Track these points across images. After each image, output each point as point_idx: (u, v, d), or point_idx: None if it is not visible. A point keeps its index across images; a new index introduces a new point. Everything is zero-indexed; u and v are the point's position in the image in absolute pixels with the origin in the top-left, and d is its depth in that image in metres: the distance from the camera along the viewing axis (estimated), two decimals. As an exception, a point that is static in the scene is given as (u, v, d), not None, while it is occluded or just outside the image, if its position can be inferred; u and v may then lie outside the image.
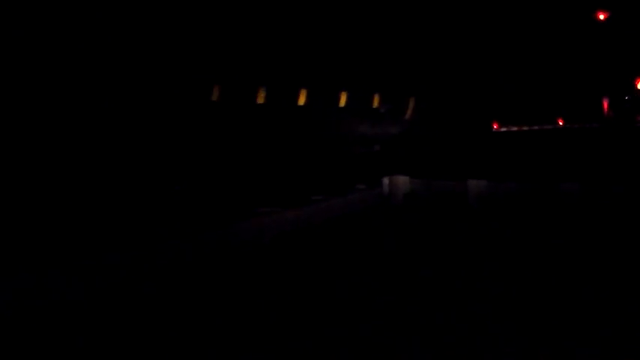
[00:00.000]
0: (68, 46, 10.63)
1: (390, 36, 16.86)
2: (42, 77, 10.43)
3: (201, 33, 12.57)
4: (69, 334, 6.55)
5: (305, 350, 6.12)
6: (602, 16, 26.93)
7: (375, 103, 17.15)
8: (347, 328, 6.64)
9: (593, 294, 7.73)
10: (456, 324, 6.70)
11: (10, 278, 7.08)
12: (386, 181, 15.84)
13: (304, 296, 7.86)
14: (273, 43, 14.04)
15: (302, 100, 14.85)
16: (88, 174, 10.89)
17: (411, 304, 7.43)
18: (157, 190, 12.03)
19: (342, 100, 15.88)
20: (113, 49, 11.33)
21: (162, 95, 12.02)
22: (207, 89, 13.29)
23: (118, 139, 11.48)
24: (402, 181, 15.81)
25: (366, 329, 6.61)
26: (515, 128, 38.65)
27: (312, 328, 6.71)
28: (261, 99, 13.86)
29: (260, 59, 14.00)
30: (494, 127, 38.99)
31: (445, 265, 9.23)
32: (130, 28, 11.26)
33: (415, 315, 7.06)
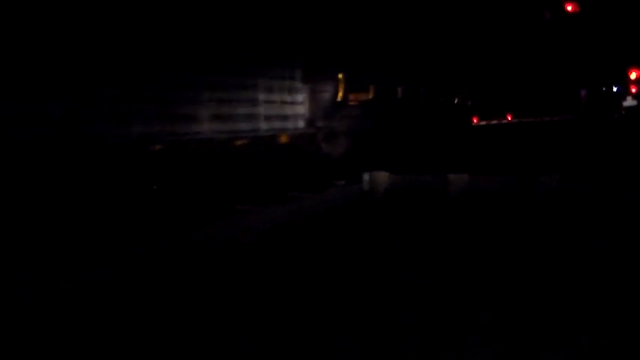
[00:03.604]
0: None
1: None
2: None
3: None
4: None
5: (286, 351, 6.01)
6: (570, 8, 27.15)
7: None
8: (329, 329, 6.53)
9: (577, 290, 7.70)
10: (441, 323, 6.61)
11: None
12: (366, 177, 15.76)
13: (286, 296, 7.75)
14: None
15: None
16: (61, 177, 10.66)
17: (393, 303, 7.34)
18: (132, 190, 11.83)
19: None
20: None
21: None
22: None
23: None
24: (382, 176, 15.74)
25: (348, 330, 6.50)
26: (494, 121, 38.88)
27: (294, 328, 6.60)
28: None
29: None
30: (474, 121, 39.25)
31: (428, 262, 9.17)
32: None
33: (398, 313, 6.97)
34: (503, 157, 22.41)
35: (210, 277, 8.68)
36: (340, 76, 20.84)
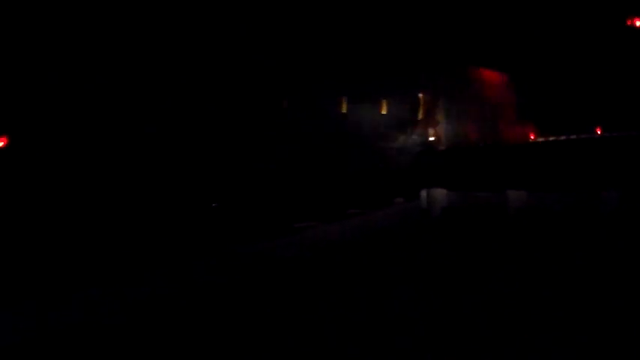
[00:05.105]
0: None
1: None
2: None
3: None
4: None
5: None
6: (638, 23, 26.39)
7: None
8: (386, 343, 6.58)
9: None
10: (497, 339, 6.59)
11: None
12: (424, 194, 15.68)
13: (344, 311, 7.81)
14: None
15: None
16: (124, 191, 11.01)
17: (451, 320, 7.33)
18: (194, 207, 12.10)
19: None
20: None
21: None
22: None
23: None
24: (440, 194, 15.63)
25: (405, 344, 6.53)
26: (552, 138, 38.01)
27: (351, 341, 6.66)
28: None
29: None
30: (532, 137, 38.56)
31: (485, 281, 9.08)
32: None
33: (454, 330, 6.95)
34: (563, 173, 21.97)
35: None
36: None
